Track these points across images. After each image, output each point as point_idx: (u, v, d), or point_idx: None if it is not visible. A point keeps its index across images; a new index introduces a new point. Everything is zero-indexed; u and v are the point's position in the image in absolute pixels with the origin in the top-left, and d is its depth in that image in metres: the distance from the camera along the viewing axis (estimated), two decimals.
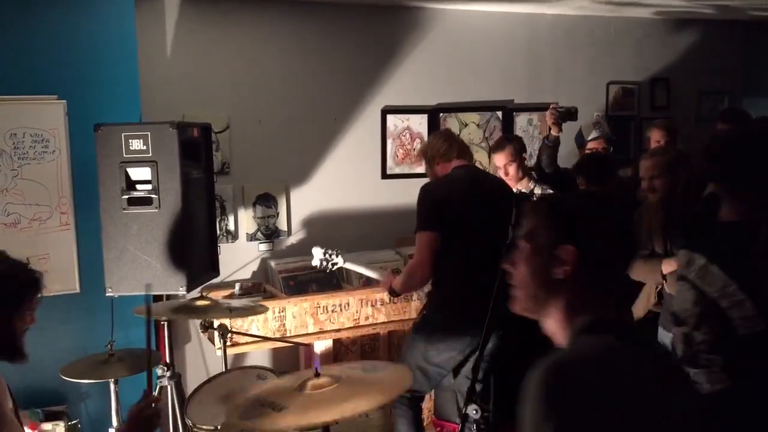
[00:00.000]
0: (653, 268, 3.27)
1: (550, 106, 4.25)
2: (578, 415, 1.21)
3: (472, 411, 2.73)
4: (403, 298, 4.13)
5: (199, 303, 3.06)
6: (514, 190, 4.21)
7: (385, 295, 4.13)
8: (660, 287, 3.35)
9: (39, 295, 2.34)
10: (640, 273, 3.36)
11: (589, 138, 4.67)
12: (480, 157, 5.16)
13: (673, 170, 3.30)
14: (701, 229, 2.49)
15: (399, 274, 3.47)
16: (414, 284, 3.39)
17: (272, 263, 4.50)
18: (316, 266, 3.83)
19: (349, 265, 3.77)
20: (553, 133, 4.20)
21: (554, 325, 1.44)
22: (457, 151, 3.47)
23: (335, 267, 3.76)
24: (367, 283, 4.30)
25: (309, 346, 4.16)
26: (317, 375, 1.91)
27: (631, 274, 3.37)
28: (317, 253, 3.74)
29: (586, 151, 4.62)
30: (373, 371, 2.03)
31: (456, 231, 3.24)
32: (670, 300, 3.26)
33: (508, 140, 4.28)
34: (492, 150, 4.32)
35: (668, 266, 3.21)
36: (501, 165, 4.14)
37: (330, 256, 3.72)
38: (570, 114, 4.23)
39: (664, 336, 3.31)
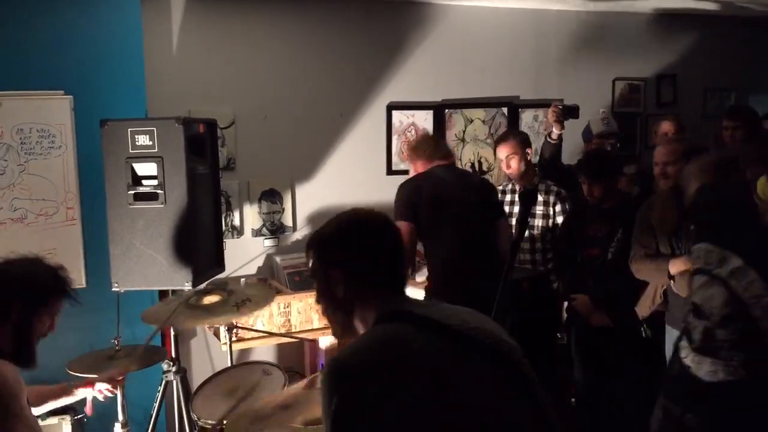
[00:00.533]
0: (659, 268, 3.23)
1: (552, 104, 4.24)
2: (357, 389, 1.33)
3: None
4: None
5: (211, 298, 3.05)
6: (517, 186, 4.22)
7: None
8: (665, 287, 3.32)
9: (62, 302, 2.34)
10: (645, 272, 3.33)
11: (596, 132, 4.66)
12: (485, 154, 5.15)
13: (688, 158, 3.18)
14: (738, 228, 2.42)
15: None
16: None
17: (277, 259, 4.50)
18: None
19: None
20: (555, 131, 4.19)
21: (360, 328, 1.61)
22: (441, 152, 3.66)
23: None
24: None
25: (314, 342, 4.17)
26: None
27: (635, 273, 3.35)
28: None
29: (593, 146, 4.62)
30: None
31: (434, 221, 3.41)
32: (675, 300, 3.25)
33: (513, 134, 4.29)
34: (496, 142, 4.31)
35: (676, 266, 3.18)
36: (503, 156, 4.13)
37: None
38: (571, 112, 4.22)
39: (674, 334, 3.29)
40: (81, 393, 2.75)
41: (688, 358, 2.45)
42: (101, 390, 2.74)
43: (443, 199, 3.45)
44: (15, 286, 2.28)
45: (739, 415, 2.32)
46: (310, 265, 1.68)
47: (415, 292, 3.84)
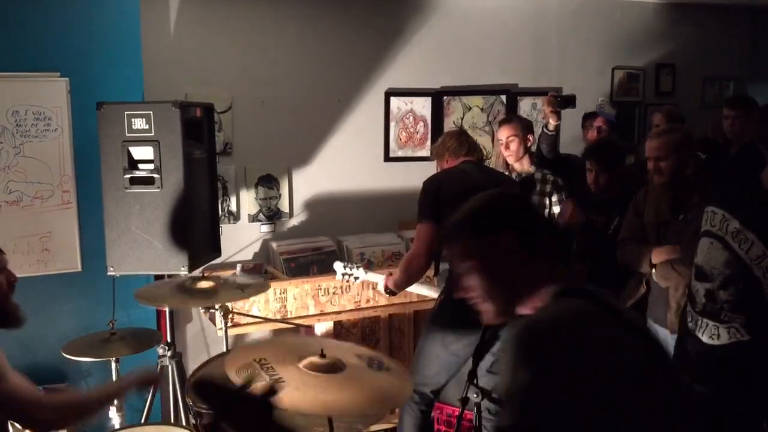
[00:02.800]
0: (643, 255, 3.22)
1: (548, 94, 4.20)
2: (552, 364, 1.31)
3: (473, 395, 2.73)
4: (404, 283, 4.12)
5: (204, 284, 3.05)
6: (514, 175, 4.21)
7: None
8: (648, 276, 3.31)
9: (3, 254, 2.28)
10: (628, 257, 3.31)
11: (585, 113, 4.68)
12: (483, 142, 5.13)
13: (680, 151, 3.17)
14: (739, 191, 2.52)
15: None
16: (411, 274, 3.37)
17: (274, 245, 4.49)
18: (339, 281, 3.88)
19: (370, 276, 3.75)
20: (552, 122, 4.15)
21: (531, 308, 1.54)
22: (467, 149, 3.48)
23: (357, 281, 3.76)
24: (368, 265, 4.30)
25: (310, 328, 4.17)
26: (323, 356, 1.90)
27: (619, 258, 3.34)
28: (339, 267, 3.76)
29: (588, 133, 4.60)
30: (378, 371, 2.01)
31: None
32: (658, 289, 3.23)
33: (517, 117, 4.28)
34: (499, 123, 4.28)
35: (659, 255, 3.17)
36: (503, 138, 4.09)
37: (350, 269, 3.74)
38: (569, 101, 4.18)
39: (656, 330, 3.28)
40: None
41: (692, 322, 2.53)
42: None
43: (468, 197, 3.31)
44: None
45: (743, 378, 2.40)
46: (460, 249, 1.59)
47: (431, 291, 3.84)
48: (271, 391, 1.39)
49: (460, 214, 1.62)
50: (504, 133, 4.11)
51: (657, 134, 3.31)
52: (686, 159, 3.19)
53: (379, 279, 3.61)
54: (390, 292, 3.47)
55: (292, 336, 2.37)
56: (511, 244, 1.53)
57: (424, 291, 3.87)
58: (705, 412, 2.27)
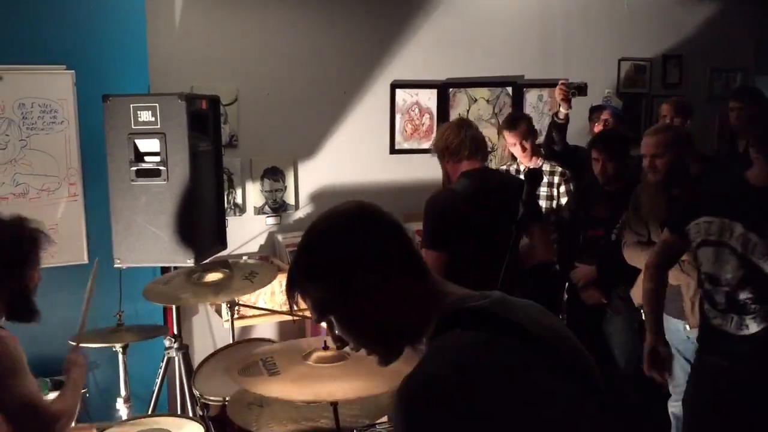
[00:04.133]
0: (648, 255, 3.22)
1: (559, 83, 4.21)
2: (450, 412, 1.09)
3: None
4: None
5: (212, 276, 3.06)
6: (522, 167, 4.21)
7: None
8: None
9: (42, 250, 2.34)
10: (635, 259, 3.29)
11: (592, 106, 4.66)
12: (489, 133, 5.11)
13: (676, 149, 3.14)
14: (732, 195, 2.54)
15: None
16: None
17: (279, 237, 4.50)
18: None
19: None
20: (563, 110, 4.16)
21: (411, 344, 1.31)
22: (469, 148, 3.14)
23: None
24: None
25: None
26: (325, 348, 1.91)
27: (627, 259, 3.33)
28: None
29: (595, 126, 4.59)
30: None
31: (463, 245, 3.00)
32: (670, 285, 3.23)
33: (521, 118, 4.26)
34: (505, 127, 4.26)
35: None
36: (517, 141, 4.12)
37: None
38: (579, 89, 4.18)
39: (669, 321, 3.28)
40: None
41: (717, 319, 2.56)
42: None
43: (474, 219, 3.02)
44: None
45: None
46: (309, 301, 1.28)
47: None
48: None
49: (292, 263, 1.31)
50: (516, 137, 4.13)
51: (654, 131, 3.28)
52: (682, 157, 3.16)
53: None
54: None
55: (300, 340, 2.42)
56: (361, 283, 1.22)
57: None
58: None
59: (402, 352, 1.30)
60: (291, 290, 1.29)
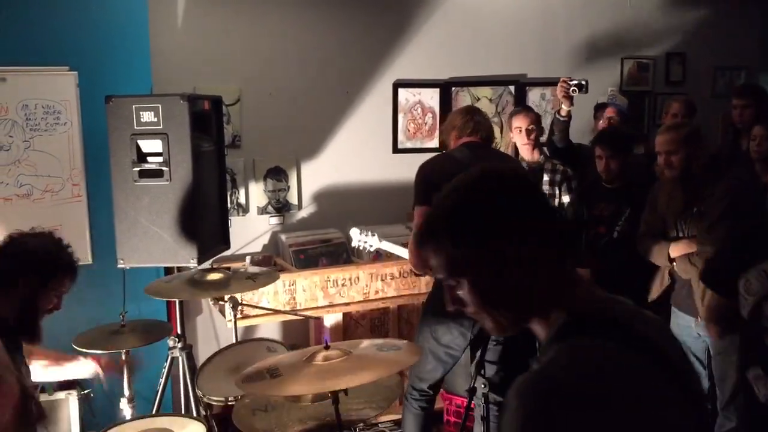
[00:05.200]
0: (661, 250, 3.26)
1: (561, 80, 4.21)
2: (580, 421, 1.06)
3: (480, 385, 2.73)
4: (412, 272, 4.15)
5: (214, 276, 3.06)
6: (523, 163, 4.21)
7: (395, 269, 4.19)
8: (670, 268, 3.33)
9: (71, 281, 2.35)
10: (648, 252, 3.34)
11: (597, 103, 4.67)
12: None
13: (691, 145, 3.18)
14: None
15: None
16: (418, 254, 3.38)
17: (283, 237, 4.51)
18: (355, 248, 3.91)
19: (384, 245, 3.76)
20: (565, 107, 4.17)
21: (537, 327, 1.27)
22: (473, 128, 3.27)
23: (372, 248, 3.78)
24: (377, 257, 4.31)
25: (319, 320, 4.19)
26: (327, 348, 1.91)
27: (641, 252, 3.36)
28: (355, 234, 3.80)
29: (600, 122, 4.60)
30: (388, 350, 2.02)
31: None
32: (681, 280, 3.27)
33: (530, 108, 4.30)
34: (514, 113, 4.28)
35: (677, 249, 3.21)
36: (523, 126, 4.12)
37: (366, 235, 3.76)
38: (580, 87, 4.19)
39: (680, 317, 3.30)
40: (83, 364, 2.78)
41: None
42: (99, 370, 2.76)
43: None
44: (30, 257, 2.30)
45: None
46: (443, 258, 1.23)
47: None
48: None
49: (432, 216, 1.27)
50: (523, 122, 4.13)
51: (667, 129, 3.32)
52: (697, 152, 3.19)
53: (395, 249, 3.67)
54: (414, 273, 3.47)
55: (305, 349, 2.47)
56: (506, 253, 1.19)
57: (398, 251, 3.87)
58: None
59: (527, 324, 1.26)
60: (425, 244, 1.25)
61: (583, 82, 4.20)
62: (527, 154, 4.18)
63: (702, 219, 3.14)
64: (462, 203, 1.23)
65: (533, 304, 1.23)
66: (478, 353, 2.85)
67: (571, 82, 4.16)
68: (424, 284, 4.26)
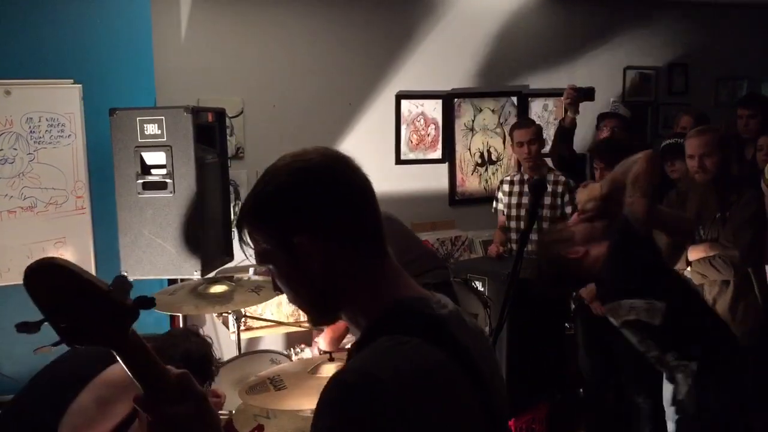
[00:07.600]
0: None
1: (567, 87, 4.20)
2: (399, 417, 1.01)
3: None
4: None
5: (218, 288, 3.06)
6: (526, 176, 4.21)
7: None
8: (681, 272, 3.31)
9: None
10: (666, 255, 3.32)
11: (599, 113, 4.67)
12: (494, 143, 5.14)
13: (726, 148, 3.14)
14: None
15: None
16: None
17: None
18: None
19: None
20: (570, 114, 4.15)
21: (350, 322, 1.23)
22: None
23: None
24: None
25: (322, 331, 4.18)
26: (331, 359, 1.91)
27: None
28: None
29: (602, 133, 4.60)
30: None
31: None
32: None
33: (533, 121, 4.28)
34: (516, 126, 4.28)
35: (695, 253, 3.18)
36: (525, 140, 4.12)
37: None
38: (587, 94, 4.18)
39: None
40: None
41: None
42: None
43: None
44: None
45: None
46: (254, 244, 1.21)
47: None
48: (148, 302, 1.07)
49: (244, 204, 1.24)
50: (525, 135, 4.12)
51: (700, 132, 3.26)
52: (730, 156, 3.16)
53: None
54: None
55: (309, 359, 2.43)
56: (306, 246, 1.15)
57: None
58: None
59: (334, 321, 1.25)
60: (239, 228, 1.23)
61: (590, 90, 4.19)
62: (528, 166, 4.18)
63: (725, 224, 3.11)
64: (271, 189, 1.20)
65: (337, 299, 1.19)
66: None
67: (576, 90, 4.16)
68: None
